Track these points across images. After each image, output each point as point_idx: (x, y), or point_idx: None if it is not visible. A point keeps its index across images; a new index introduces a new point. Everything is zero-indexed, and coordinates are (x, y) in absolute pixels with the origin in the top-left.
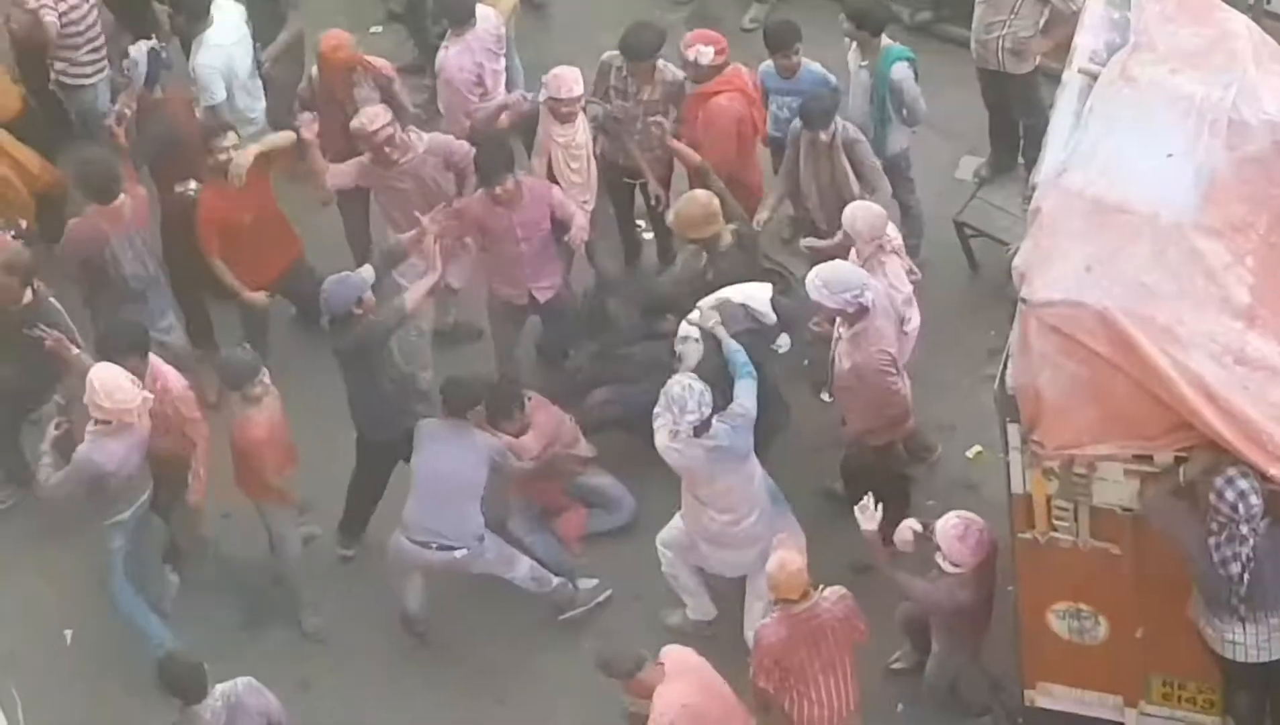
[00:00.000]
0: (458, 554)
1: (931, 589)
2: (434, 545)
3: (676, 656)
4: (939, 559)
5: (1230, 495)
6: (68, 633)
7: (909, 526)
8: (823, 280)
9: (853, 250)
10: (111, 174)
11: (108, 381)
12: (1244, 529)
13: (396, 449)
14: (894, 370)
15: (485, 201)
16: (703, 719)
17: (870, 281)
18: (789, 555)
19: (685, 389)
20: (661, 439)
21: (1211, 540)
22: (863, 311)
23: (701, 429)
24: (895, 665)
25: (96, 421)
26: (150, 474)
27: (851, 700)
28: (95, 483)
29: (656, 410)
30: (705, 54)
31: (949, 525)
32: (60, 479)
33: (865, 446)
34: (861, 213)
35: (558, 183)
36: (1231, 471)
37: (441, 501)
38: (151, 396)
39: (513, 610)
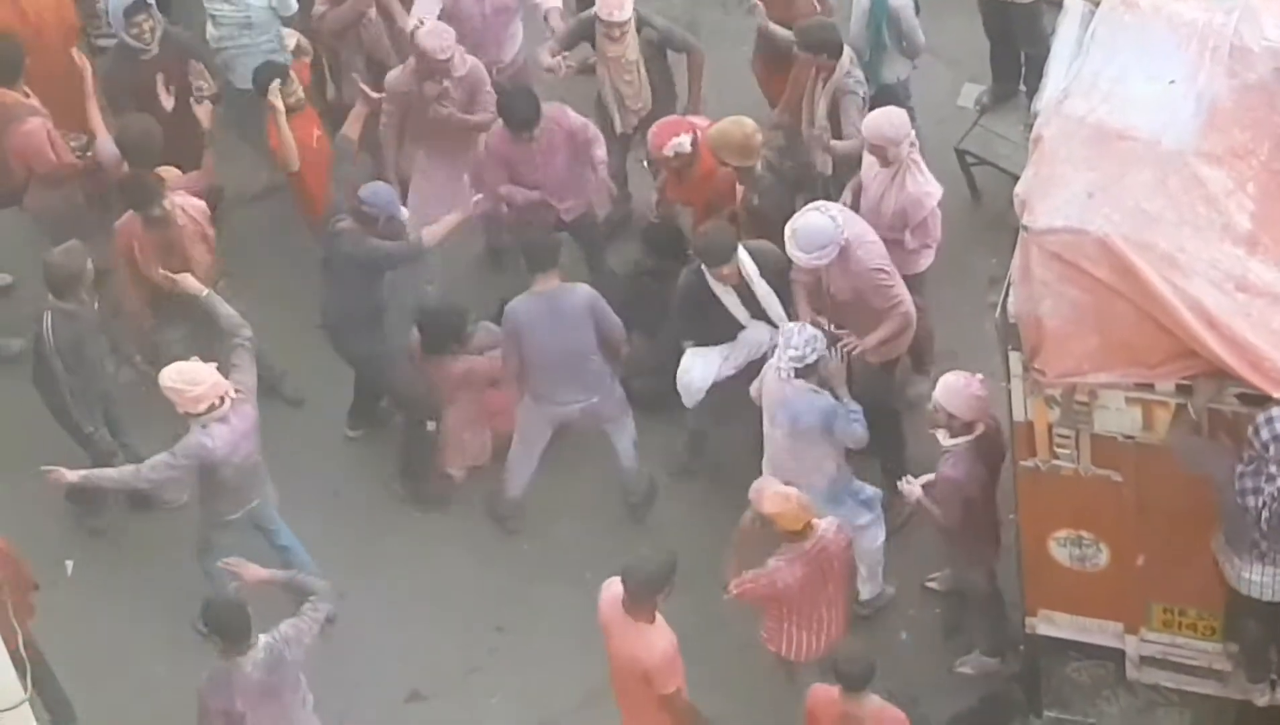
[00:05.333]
0: (595, 401)
1: (949, 478)
2: (577, 405)
3: None
4: (943, 439)
5: (1265, 434)
6: (68, 563)
7: (909, 482)
8: (796, 242)
9: (870, 159)
10: None
11: (182, 375)
12: (1272, 468)
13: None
14: (891, 281)
15: (506, 137)
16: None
17: (842, 219)
18: (781, 487)
19: (800, 330)
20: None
21: (1239, 469)
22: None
23: (804, 374)
24: (930, 584)
25: (199, 414)
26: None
27: (842, 627)
28: (207, 470)
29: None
30: (682, 143)
31: (950, 382)
32: (162, 463)
33: (871, 365)
34: (887, 117)
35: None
36: (1274, 411)
37: (569, 369)
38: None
39: (513, 542)
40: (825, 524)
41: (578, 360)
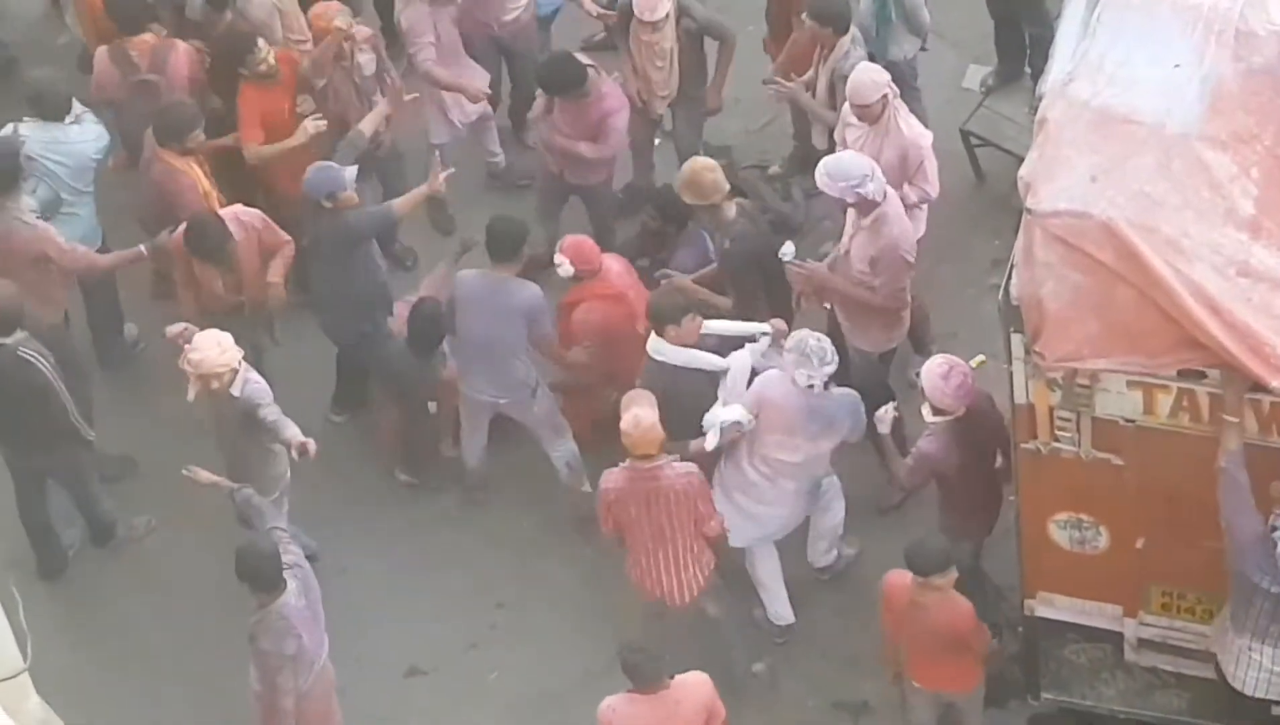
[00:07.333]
0: (502, 402)
1: (922, 451)
2: (486, 397)
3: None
4: (926, 413)
5: None
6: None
7: (888, 410)
8: (826, 169)
9: (852, 125)
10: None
11: (208, 341)
12: None
13: (355, 353)
14: (912, 262)
15: None
16: None
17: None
18: (642, 412)
19: (819, 341)
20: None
21: (1260, 530)
22: (868, 204)
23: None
24: None
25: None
26: None
27: (685, 585)
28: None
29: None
30: (565, 270)
31: (933, 366)
32: (273, 410)
33: (867, 353)
34: (867, 74)
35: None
36: None
37: (486, 360)
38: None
39: (513, 518)
40: (677, 463)
41: (496, 356)
